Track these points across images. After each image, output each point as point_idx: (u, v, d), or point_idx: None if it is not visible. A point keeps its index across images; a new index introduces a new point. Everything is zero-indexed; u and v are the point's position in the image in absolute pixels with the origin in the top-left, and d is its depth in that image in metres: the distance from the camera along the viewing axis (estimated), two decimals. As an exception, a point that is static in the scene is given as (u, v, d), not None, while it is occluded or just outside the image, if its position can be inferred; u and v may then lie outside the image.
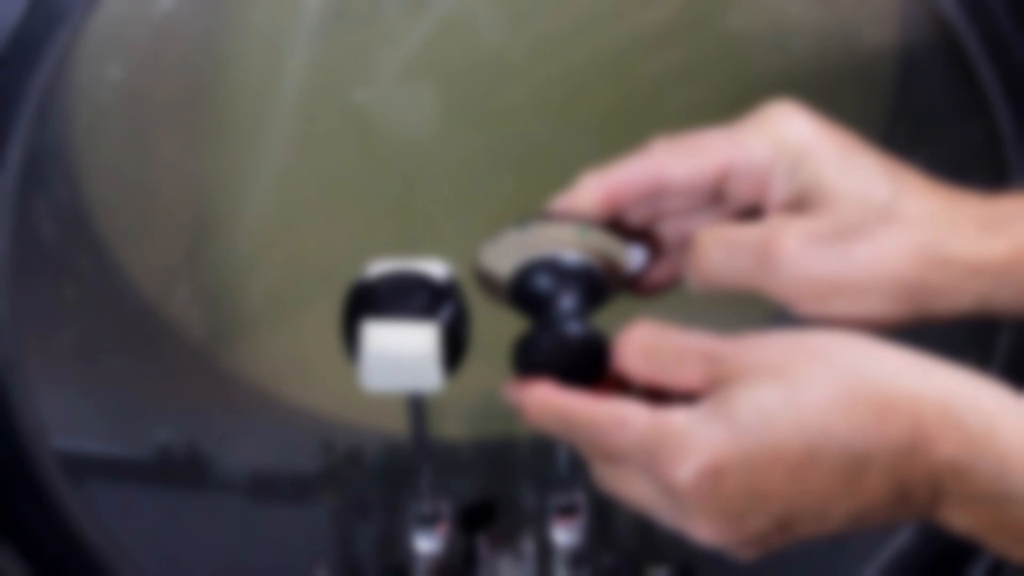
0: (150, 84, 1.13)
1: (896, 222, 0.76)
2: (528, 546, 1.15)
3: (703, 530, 0.72)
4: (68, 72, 1.08)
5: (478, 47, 1.13)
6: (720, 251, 0.77)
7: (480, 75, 1.15)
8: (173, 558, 1.18)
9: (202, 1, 1.11)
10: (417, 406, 0.88)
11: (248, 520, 1.21)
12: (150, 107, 1.14)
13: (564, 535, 1.03)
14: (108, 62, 1.10)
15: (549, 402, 0.74)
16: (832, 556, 1.17)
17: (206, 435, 1.20)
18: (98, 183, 1.14)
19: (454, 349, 0.81)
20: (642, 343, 0.74)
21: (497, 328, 0.82)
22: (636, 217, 0.81)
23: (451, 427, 1.23)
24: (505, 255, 0.79)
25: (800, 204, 0.77)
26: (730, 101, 0.87)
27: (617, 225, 0.80)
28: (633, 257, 0.81)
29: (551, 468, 1.05)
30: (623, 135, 0.82)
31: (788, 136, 0.77)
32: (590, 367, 0.76)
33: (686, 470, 0.69)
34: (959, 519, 0.70)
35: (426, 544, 1.00)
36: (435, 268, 0.82)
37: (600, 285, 0.79)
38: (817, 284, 0.76)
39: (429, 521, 0.99)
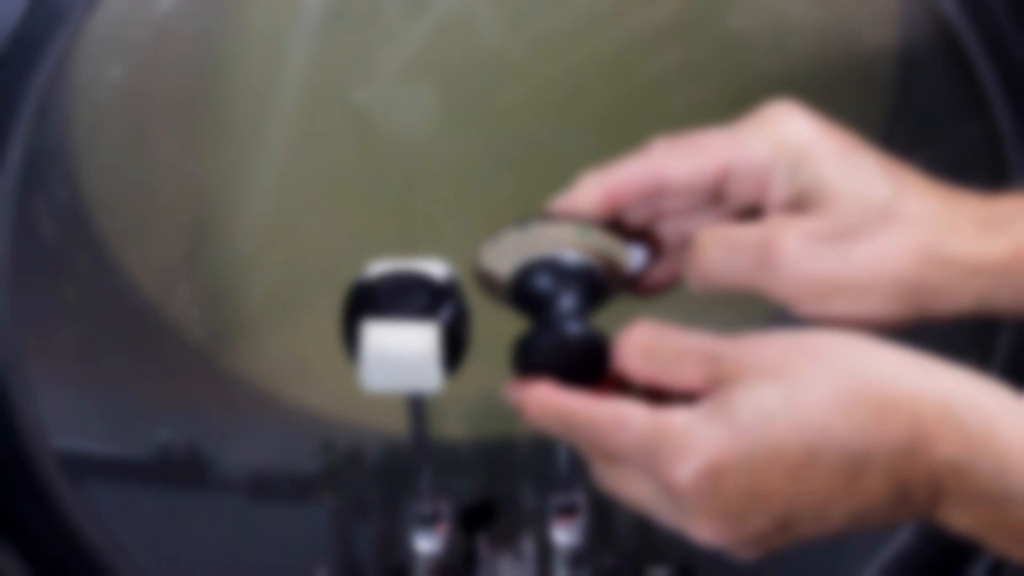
0: (150, 84, 1.12)
1: (896, 222, 0.76)
2: (528, 546, 1.15)
3: (703, 530, 0.72)
4: (68, 72, 1.08)
5: (478, 47, 1.13)
6: (720, 251, 0.77)
7: (480, 75, 1.14)
8: (173, 558, 1.18)
9: (202, 1, 1.11)
10: (417, 406, 0.88)
11: (248, 520, 1.21)
12: (150, 107, 1.14)
13: (564, 535, 1.03)
14: (108, 62, 1.10)
15: (549, 402, 0.74)
16: (832, 556, 1.17)
17: (206, 435, 1.20)
18: (98, 183, 1.14)
19: (454, 349, 0.81)
20: (642, 343, 0.74)
21: (497, 328, 0.82)
22: (636, 217, 0.81)
23: (451, 427, 1.23)
24: (505, 255, 0.79)
25: (800, 204, 0.76)
26: (730, 101, 0.87)
27: (617, 225, 0.80)
28: (633, 257, 0.81)
29: (551, 468, 1.04)
30: (623, 135, 0.82)
31: (788, 136, 0.77)
32: (590, 367, 0.76)
33: (686, 470, 0.69)
34: (959, 519, 0.70)
35: (426, 544, 1.00)
36: (435, 268, 0.82)
37: (600, 285, 0.79)
38: (817, 284, 0.76)
39: (429, 521, 0.99)
